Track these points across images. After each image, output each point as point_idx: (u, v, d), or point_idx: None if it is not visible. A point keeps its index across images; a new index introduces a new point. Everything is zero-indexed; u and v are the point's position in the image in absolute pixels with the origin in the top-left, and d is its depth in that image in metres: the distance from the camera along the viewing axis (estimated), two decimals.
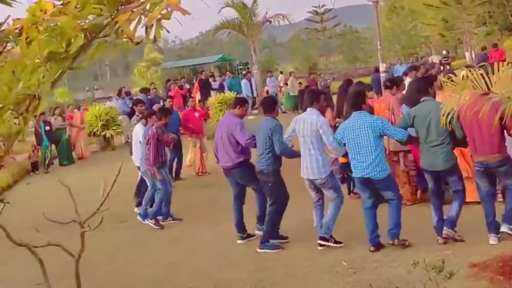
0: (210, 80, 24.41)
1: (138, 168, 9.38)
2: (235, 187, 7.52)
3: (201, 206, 9.72)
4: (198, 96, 20.98)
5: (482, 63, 8.49)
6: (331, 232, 6.71)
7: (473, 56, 24.48)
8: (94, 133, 18.23)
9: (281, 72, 29.88)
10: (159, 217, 8.83)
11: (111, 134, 18.27)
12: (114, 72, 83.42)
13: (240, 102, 7.65)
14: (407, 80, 10.17)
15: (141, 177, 9.53)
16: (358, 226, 6.96)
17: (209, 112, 17.98)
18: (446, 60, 26.54)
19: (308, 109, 6.86)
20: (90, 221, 3.48)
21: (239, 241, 7.42)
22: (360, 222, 7.07)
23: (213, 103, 18.20)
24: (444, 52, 32.16)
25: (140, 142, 9.13)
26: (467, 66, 10.66)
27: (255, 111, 23.22)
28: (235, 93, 20.15)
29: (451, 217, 6.29)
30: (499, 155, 5.92)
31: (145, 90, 19.79)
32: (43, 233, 3.43)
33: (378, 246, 6.40)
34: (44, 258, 3.16)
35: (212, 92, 22.37)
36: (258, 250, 6.98)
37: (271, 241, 7.00)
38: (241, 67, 34.27)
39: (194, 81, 26.51)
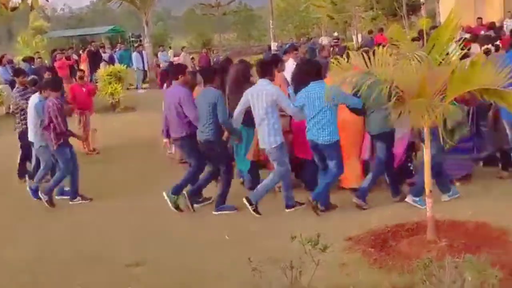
0: (101, 51, 23.62)
1: (32, 144, 8.62)
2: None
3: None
4: (85, 68, 20.22)
5: (365, 48, 8.81)
6: (258, 199, 6.95)
7: (359, 39, 25.40)
8: None
9: (170, 47, 29.43)
10: (66, 197, 8.29)
11: None
12: None
13: (180, 70, 7.62)
14: (291, 61, 10.34)
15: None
16: (241, 202, 7.08)
17: (97, 85, 17.41)
18: (336, 42, 27.35)
19: (261, 80, 6.98)
20: None
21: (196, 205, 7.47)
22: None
23: (102, 75, 17.59)
24: (335, 33, 33.13)
25: (35, 115, 8.36)
26: (359, 48, 11.09)
27: (146, 85, 22.82)
28: (125, 66, 19.63)
29: (363, 189, 6.81)
30: None
31: (28, 59, 18.77)
32: None
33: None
34: None
35: (101, 64, 21.67)
36: (215, 212, 7.13)
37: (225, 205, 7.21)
38: (133, 39, 33.44)
39: (81, 52, 25.47)
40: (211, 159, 7.33)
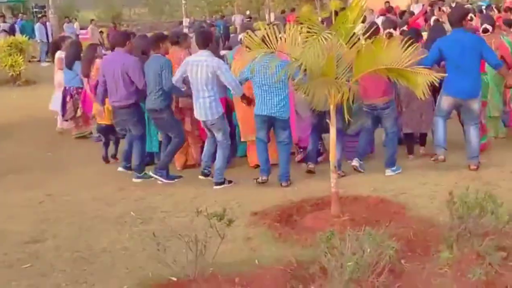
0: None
1: None
2: (120, 125, 7.56)
3: None
4: None
5: (276, 22, 8.82)
6: (223, 175, 6.92)
7: (272, 18, 25.58)
8: None
9: (76, 20, 28.31)
10: None
11: None
12: None
13: (127, 37, 7.44)
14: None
15: None
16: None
17: None
18: (249, 20, 27.40)
19: (201, 51, 6.82)
20: None
21: (120, 169, 7.65)
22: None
23: (1, 46, 16.68)
24: (247, 12, 33.17)
25: None
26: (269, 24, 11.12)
27: (49, 58, 21.88)
28: (27, 37, 18.71)
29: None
30: None
31: None
32: None
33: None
34: None
35: (1, 35, 20.54)
36: (153, 174, 7.18)
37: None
38: (36, 10, 31.94)
39: None
40: (160, 127, 7.26)
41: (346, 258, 3.92)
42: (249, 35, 5.78)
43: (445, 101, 7.11)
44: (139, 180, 7.30)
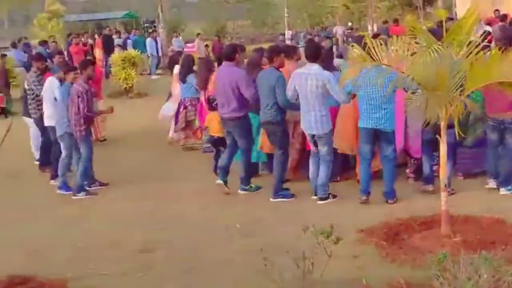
0: (115, 36, 23.61)
1: (47, 129, 8.38)
2: (231, 137, 7.46)
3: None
4: (98, 54, 20.23)
5: (382, 36, 8.69)
6: (328, 190, 6.88)
7: (375, 29, 25.22)
8: None
9: (179, 34, 29.20)
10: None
11: None
12: (12, 22, 78.73)
13: (235, 50, 7.49)
14: None
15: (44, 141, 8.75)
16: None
17: (111, 70, 17.42)
18: (350, 32, 27.19)
19: (309, 64, 6.88)
20: None
21: (218, 181, 7.48)
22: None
23: (115, 60, 17.60)
24: (349, 23, 32.93)
25: (55, 100, 8.10)
26: (374, 36, 10.97)
27: (160, 71, 22.81)
28: (139, 51, 19.62)
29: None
30: None
31: (44, 43, 18.84)
32: None
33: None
34: None
35: (115, 50, 21.68)
36: (272, 199, 7.02)
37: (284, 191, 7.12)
38: (147, 25, 33.41)
39: (96, 36, 25.42)
40: (272, 141, 7.28)
41: (460, 282, 3.75)
42: (355, 48, 5.72)
43: None
44: (243, 192, 7.39)
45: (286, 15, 20.49)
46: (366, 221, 5.97)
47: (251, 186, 7.42)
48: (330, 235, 4.24)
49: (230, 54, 7.40)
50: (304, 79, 6.72)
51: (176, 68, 10.46)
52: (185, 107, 9.88)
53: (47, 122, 8.42)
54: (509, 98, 6.33)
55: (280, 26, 45.39)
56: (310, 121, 6.78)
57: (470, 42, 5.46)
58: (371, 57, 5.56)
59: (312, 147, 7.09)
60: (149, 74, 22.16)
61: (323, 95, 6.67)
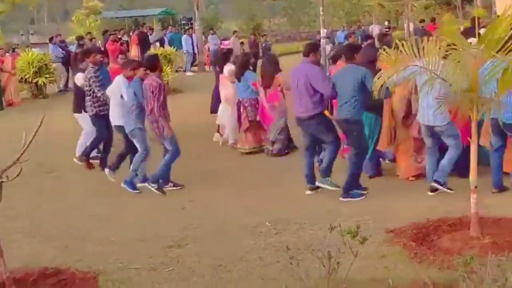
0: (149, 33, 23.90)
1: (118, 128, 8.19)
2: (307, 137, 7.34)
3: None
4: (134, 51, 20.50)
5: (416, 37, 8.61)
6: (446, 179, 6.85)
7: (411, 28, 24.93)
8: (26, 79, 17.57)
9: (215, 32, 29.23)
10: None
11: (44, 82, 17.67)
12: (52, 18, 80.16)
13: (313, 48, 7.38)
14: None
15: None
16: (286, 187, 7.08)
17: None
18: (388, 30, 26.92)
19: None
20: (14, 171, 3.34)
21: (308, 192, 7.31)
22: (288, 183, 7.27)
23: None
24: (386, 22, 32.58)
25: (122, 97, 7.97)
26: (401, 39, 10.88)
27: (195, 68, 23.00)
28: (175, 48, 19.84)
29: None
30: None
31: (80, 38, 19.22)
32: None
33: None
34: None
35: (153, 46, 21.95)
36: (342, 199, 6.96)
37: (354, 190, 7.04)
38: (184, 22, 33.72)
39: (131, 33, 25.72)
40: (347, 138, 7.26)
41: (486, 285, 3.74)
42: (386, 51, 5.71)
43: None
44: (323, 186, 7.22)
45: (321, 13, 20.32)
46: (396, 221, 5.96)
47: (329, 179, 7.24)
48: (356, 235, 4.26)
49: (308, 51, 7.26)
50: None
51: (229, 65, 10.14)
52: (245, 108, 9.58)
53: (114, 122, 8.27)
54: None
55: (316, 24, 44.97)
56: (428, 114, 6.72)
57: (505, 44, 5.39)
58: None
59: (426, 140, 7.04)
60: (184, 71, 22.36)
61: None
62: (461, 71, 5.24)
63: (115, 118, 8.23)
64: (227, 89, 10.15)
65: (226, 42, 26.04)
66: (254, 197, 7.38)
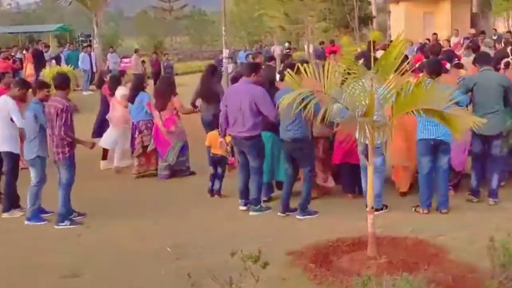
0: (44, 50, 23.04)
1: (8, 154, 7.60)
2: (244, 157, 7.33)
3: None
4: (30, 69, 19.66)
5: (316, 61, 8.83)
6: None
7: (311, 49, 25.72)
8: None
9: (115, 50, 28.68)
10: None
11: None
12: None
13: (254, 68, 7.35)
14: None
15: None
16: (187, 210, 6.96)
17: None
18: (288, 51, 27.57)
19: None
20: None
21: (241, 207, 7.37)
22: (189, 206, 7.18)
23: (47, 75, 17.15)
24: (287, 44, 33.37)
25: (12, 121, 7.53)
26: (302, 62, 11.16)
27: (93, 87, 22.39)
28: (72, 66, 19.24)
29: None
30: None
31: None
32: None
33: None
34: None
35: (48, 63, 21.16)
36: (299, 217, 6.97)
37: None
38: (82, 39, 32.88)
39: (24, 51, 24.65)
40: (296, 159, 7.12)
41: None
42: (289, 73, 5.81)
43: None
44: (256, 213, 7.22)
45: (223, 33, 20.54)
46: (297, 242, 6.01)
47: (261, 206, 7.30)
48: (257, 260, 4.25)
49: (250, 71, 7.28)
50: None
51: (123, 90, 9.91)
52: (141, 132, 9.37)
53: (1, 148, 7.66)
54: None
55: (219, 43, 45.46)
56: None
57: (397, 69, 5.62)
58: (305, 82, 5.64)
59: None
60: (81, 90, 21.68)
61: None
62: (357, 96, 5.41)
63: (2, 143, 7.63)
64: (115, 112, 9.93)
65: (126, 60, 25.63)
66: (153, 222, 7.22)
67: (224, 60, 21.38)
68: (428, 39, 20.74)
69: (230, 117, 7.22)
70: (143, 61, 24.54)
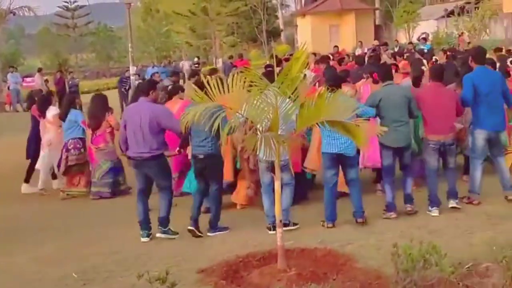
0: None
1: None
2: (143, 181, 6.99)
3: None
4: None
5: (217, 75, 8.83)
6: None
7: (220, 64, 25.89)
8: None
9: (16, 69, 27.43)
10: None
11: None
12: None
13: (151, 86, 7.15)
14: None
15: None
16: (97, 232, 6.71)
17: None
18: (197, 66, 27.54)
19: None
20: None
21: (143, 239, 6.87)
22: (100, 227, 6.94)
23: None
24: (196, 59, 33.36)
25: None
26: (211, 72, 11.20)
27: None
28: None
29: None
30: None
31: None
32: None
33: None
34: None
35: None
36: (210, 234, 6.91)
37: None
38: None
39: None
40: (207, 175, 6.95)
41: None
42: (194, 88, 5.77)
43: None
44: (163, 236, 6.94)
45: (130, 49, 20.24)
46: (207, 259, 5.95)
47: (169, 229, 7.00)
48: (165, 281, 4.17)
49: (147, 89, 7.06)
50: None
51: (52, 109, 9.59)
52: (68, 150, 9.07)
53: None
54: (450, 120, 7.18)
55: (126, 60, 44.68)
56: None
57: (300, 82, 5.70)
58: (209, 97, 5.60)
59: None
60: None
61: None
62: (262, 110, 5.44)
63: None
64: (50, 134, 9.57)
65: (29, 80, 24.73)
66: (59, 247, 6.93)
67: (132, 77, 21.02)
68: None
69: (130, 138, 6.97)
70: (46, 80, 23.69)
